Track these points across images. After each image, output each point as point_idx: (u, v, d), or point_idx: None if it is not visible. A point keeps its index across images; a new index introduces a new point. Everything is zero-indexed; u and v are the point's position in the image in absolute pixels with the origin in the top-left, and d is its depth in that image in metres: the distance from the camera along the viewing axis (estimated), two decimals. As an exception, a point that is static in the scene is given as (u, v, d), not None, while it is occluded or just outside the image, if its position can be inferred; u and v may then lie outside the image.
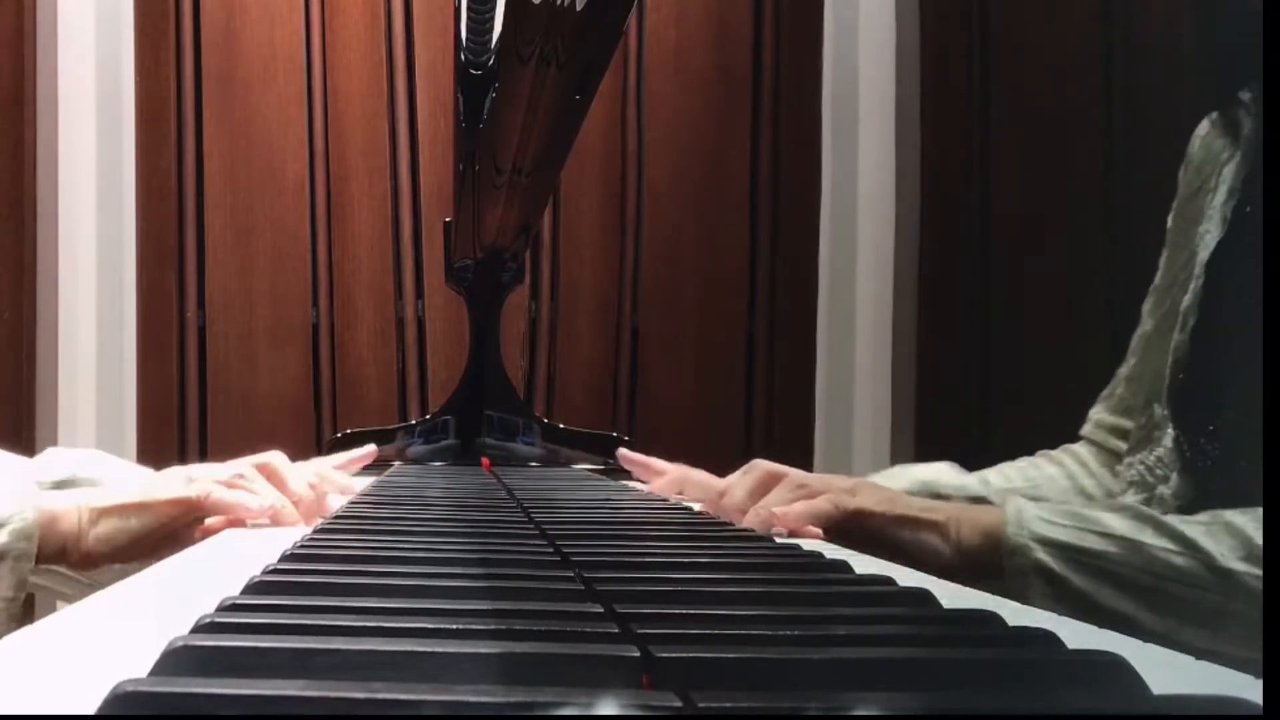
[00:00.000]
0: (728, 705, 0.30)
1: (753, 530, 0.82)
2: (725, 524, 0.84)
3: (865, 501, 0.88)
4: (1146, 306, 1.11)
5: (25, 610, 0.80)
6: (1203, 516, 0.82)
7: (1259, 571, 0.76)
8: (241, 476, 0.91)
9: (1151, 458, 0.97)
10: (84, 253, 2.32)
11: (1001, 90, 2.31)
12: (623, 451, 1.37)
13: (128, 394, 2.32)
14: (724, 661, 0.35)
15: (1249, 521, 0.79)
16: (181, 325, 2.32)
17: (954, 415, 2.29)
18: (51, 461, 1.08)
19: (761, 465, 0.96)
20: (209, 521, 0.89)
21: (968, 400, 2.31)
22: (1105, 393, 1.16)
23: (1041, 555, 0.81)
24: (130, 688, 0.29)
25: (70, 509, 0.85)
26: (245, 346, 2.33)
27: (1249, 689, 0.36)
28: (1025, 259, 2.27)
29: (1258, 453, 0.86)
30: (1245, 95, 0.97)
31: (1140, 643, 0.44)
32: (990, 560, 0.83)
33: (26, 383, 2.23)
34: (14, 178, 2.22)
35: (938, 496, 1.05)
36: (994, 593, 0.86)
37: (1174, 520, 0.81)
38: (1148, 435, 0.98)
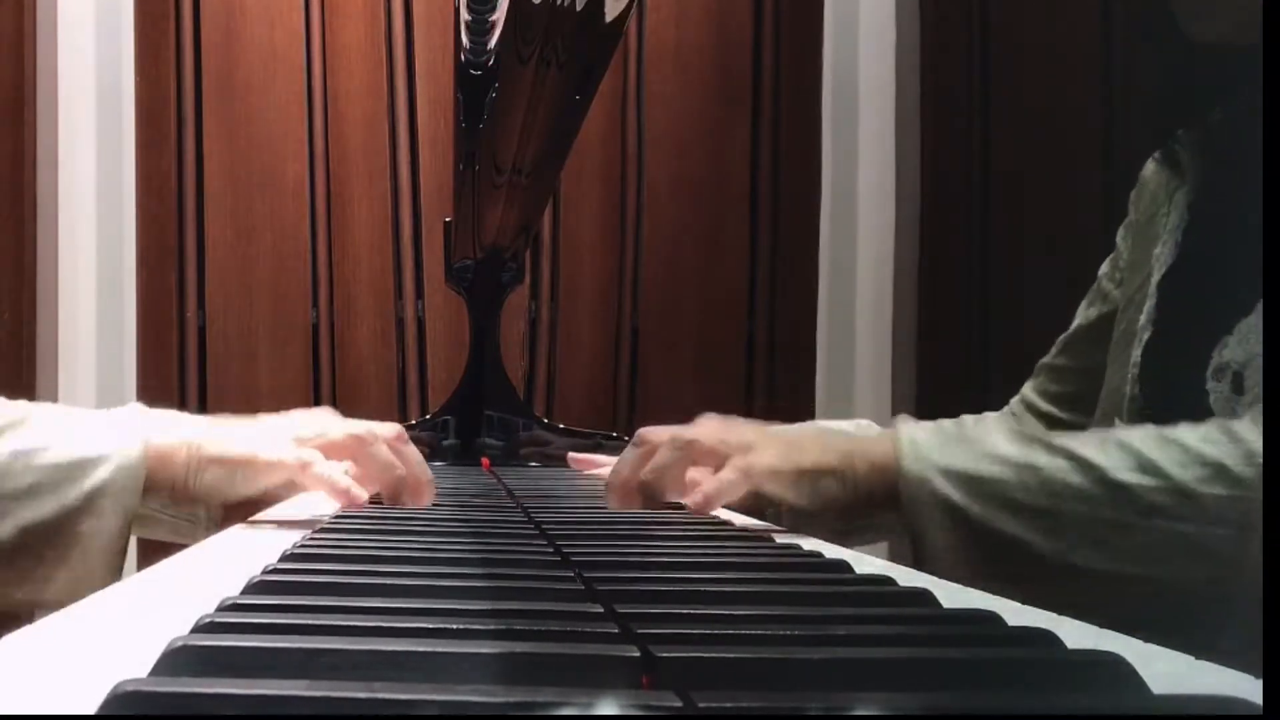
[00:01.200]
0: (728, 705, 0.30)
1: (753, 530, 0.82)
2: (725, 524, 0.84)
3: (768, 459, 0.84)
4: (1082, 306, 1.13)
5: (26, 609, 0.80)
6: (1092, 435, 0.82)
7: (1150, 482, 0.76)
8: (360, 439, 0.89)
9: None
10: (84, 253, 2.32)
11: (1001, 90, 2.31)
12: (572, 455, 1.34)
13: (128, 394, 2.32)
14: (724, 661, 0.35)
15: (1137, 435, 0.79)
16: (181, 325, 2.32)
17: (954, 415, 2.29)
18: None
19: (645, 436, 0.92)
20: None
21: (968, 400, 2.30)
22: (1031, 377, 1.17)
23: (940, 485, 0.80)
24: (130, 688, 0.29)
25: (180, 446, 0.84)
26: (245, 346, 2.33)
27: (1249, 689, 0.36)
28: (1025, 259, 2.27)
29: None
30: (1181, 133, 0.99)
31: (1140, 643, 0.44)
32: (887, 493, 0.82)
33: (26, 382, 2.23)
34: (14, 178, 2.22)
35: None
36: (889, 525, 0.86)
37: (1064, 438, 0.81)
38: None
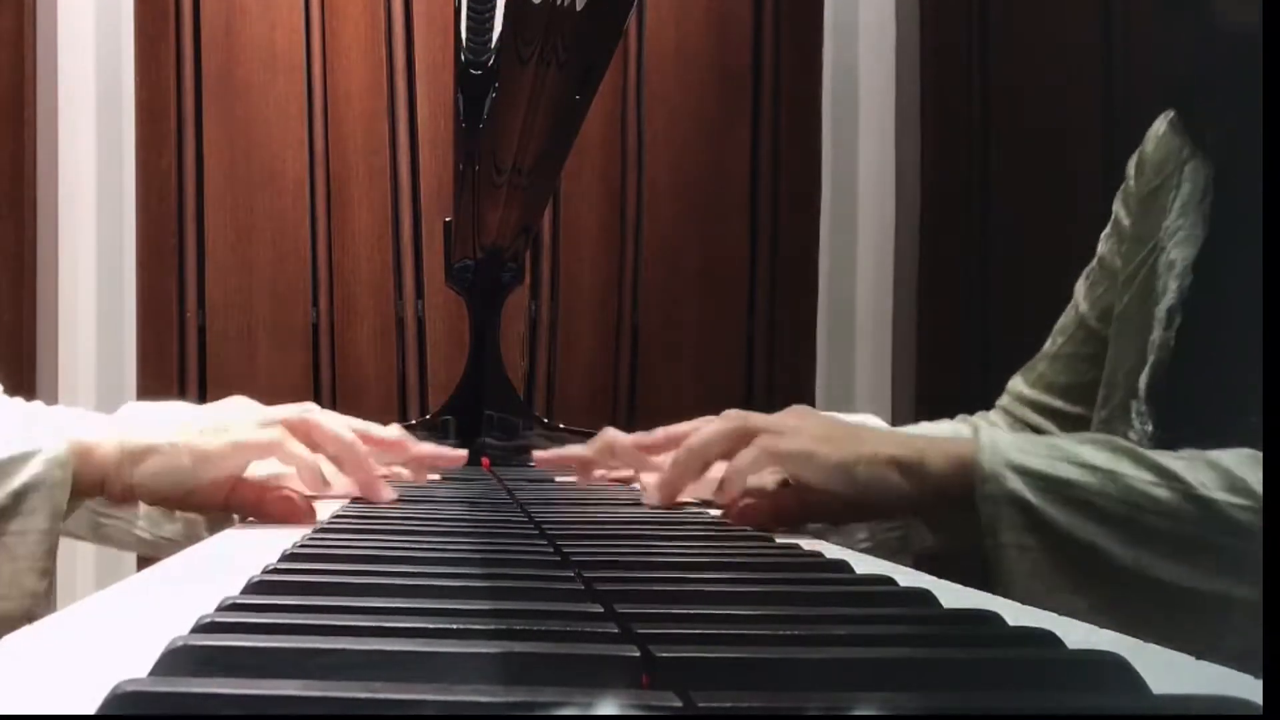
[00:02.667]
0: (728, 705, 0.30)
1: (752, 530, 0.82)
2: (725, 524, 0.84)
3: (802, 441, 0.82)
4: (1081, 286, 1.10)
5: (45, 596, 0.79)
6: (1183, 453, 0.80)
7: (1240, 501, 0.75)
8: (305, 421, 0.86)
9: None
10: (84, 253, 2.32)
11: (1001, 90, 2.31)
12: (538, 455, 1.28)
13: (128, 394, 2.32)
14: (724, 661, 0.35)
15: (1229, 457, 0.78)
16: (181, 325, 2.32)
17: (954, 415, 2.29)
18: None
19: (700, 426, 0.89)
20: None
21: (968, 400, 2.30)
22: (1025, 367, 1.15)
23: (1016, 483, 0.78)
24: (130, 688, 0.29)
25: (108, 438, 0.81)
26: (245, 346, 2.33)
27: (1249, 689, 0.36)
28: (1025, 259, 2.27)
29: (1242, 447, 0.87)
30: (1198, 105, 0.97)
31: (1140, 643, 0.44)
32: (960, 490, 0.80)
33: (26, 382, 2.23)
34: (14, 178, 2.22)
35: None
36: (961, 527, 0.84)
37: (1153, 453, 0.80)
38: (1110, 429, 0.98)
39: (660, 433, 0.99)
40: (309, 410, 0.89)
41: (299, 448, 0.84)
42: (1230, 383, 0.88)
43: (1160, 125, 1.04)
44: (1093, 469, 0.78)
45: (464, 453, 1.12)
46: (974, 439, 0.83)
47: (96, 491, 0.83)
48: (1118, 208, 1.08)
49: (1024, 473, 0.79)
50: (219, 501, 0.86)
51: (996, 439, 0.82)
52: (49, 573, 0.77)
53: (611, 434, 1.06)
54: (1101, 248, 1.09)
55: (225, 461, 0.83)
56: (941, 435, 1.08)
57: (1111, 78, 2.16)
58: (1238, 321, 0.88)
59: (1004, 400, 1.17)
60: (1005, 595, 0.56)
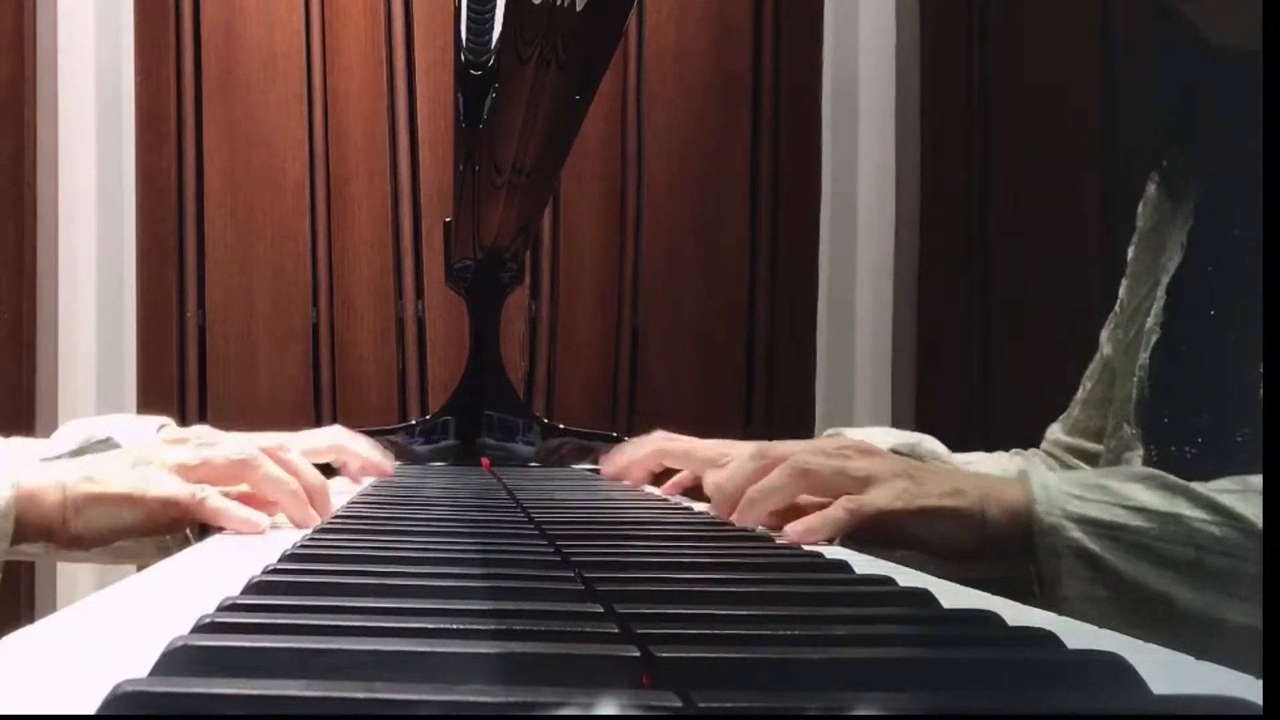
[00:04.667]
0: (728, 705, 0.30)
1: (752, 530, 0.82)
2: (725, 524, 0.84)
3: (881, 499, 0.80)
4: (1104, 334, 1.11)
5: (26, 608, 0.79)
6: (1227, 483, 0.78)
7: None
8: (249, 464, 0.83)
9: None
10: (84, 252, 2.32)
11: (1001, 90, 2.31)
12: (604, 459, 1.29)
13: (128, 394, 2.32)
14: (724, 661, 0.35)
15: None
16: (181, 325, 2.32)
17: (954, 415, 2.29)
18: (64, 434, 1.04)
19: (766, 451, 0.86)
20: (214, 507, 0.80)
21: (968, 401, 2.31)
22: (1063, 415, 1.16)
23: (1076, 534, 0.77)
24: (130, 688, 0.29)
25: (52, 487, 0.80)
26: (245, 346, 2.33)
27: (1249, 689, 0.36)
28: (1025, 259, 2.27)
29: (1229, 448, 0.87)
30: (1179, 152, 0.99)
31: (1140, 643, 0.44)
32: (1018, 542, 0.79)
33: (26, 382, 2.23)
34: (14, 178, 2.22)
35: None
36: (1017, 574, 0.81)
37: (1205, 488, 0.78)
38: (1117, 458, 0.99)
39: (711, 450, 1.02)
40: (256, 454, 0.86)
41: (221, 502, 0.81)
42: (1209, 396, 0.88)
43: (1151, 189, 1.06)
44: (1151, 513, 0.77)
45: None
46: (1025, 483, 0.81)
47: (42, 538, 0.82)
48: (1131, 250, 1.08)
49: (1082, 521, 0.78)
50: (168, 530, 0.85)
51: (1048, 484, 0.80)
52: None
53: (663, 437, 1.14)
54: (1121, 292, 1.09)
55: (161, 512, 0.82)
56: (931, 454, 1.08)
57: (1112, 77, 2.16)
58: (1212, 340, 0.89)
59: (1045, 445, 1.17)
60: None
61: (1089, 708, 0.33)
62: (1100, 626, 0.73)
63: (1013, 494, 0.80)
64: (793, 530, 0.79)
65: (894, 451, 1.04)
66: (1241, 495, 0.76)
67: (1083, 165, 2.18)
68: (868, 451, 0.85)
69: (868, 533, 0.81)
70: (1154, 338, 0.96)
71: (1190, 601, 0.75)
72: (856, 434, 1.04)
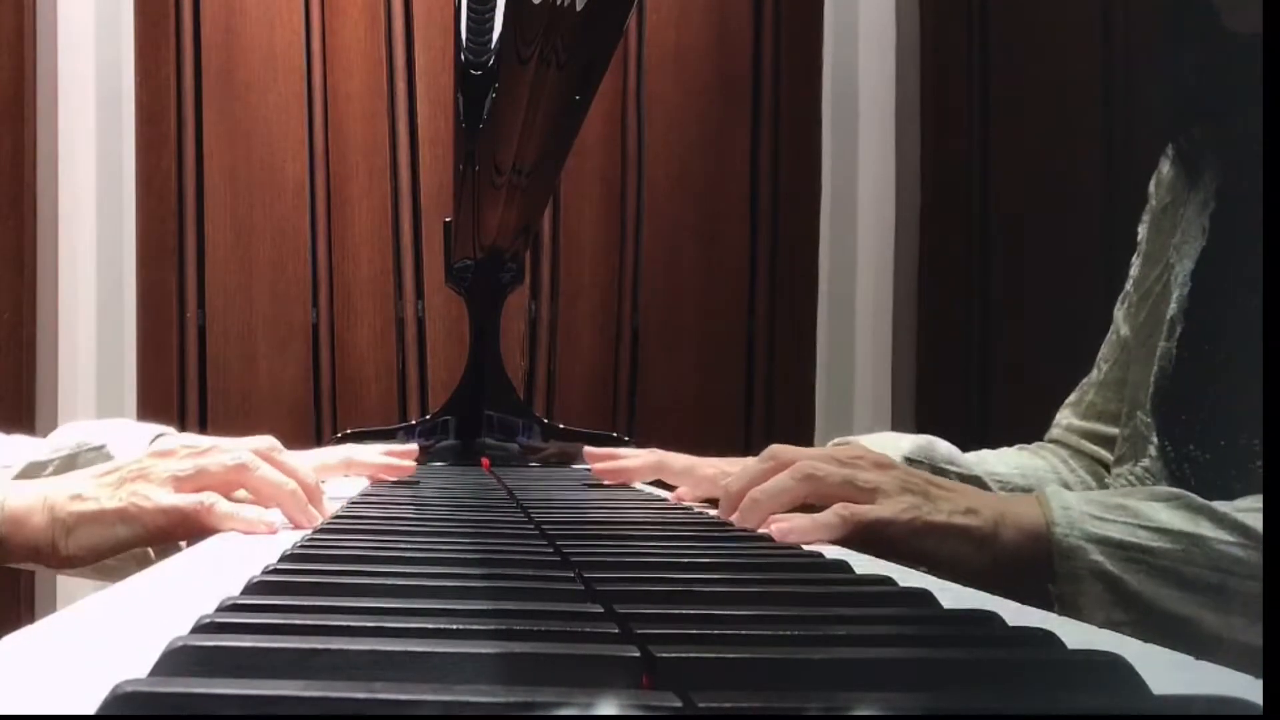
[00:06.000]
0: (728, 705, 0.30)
1: (752, 530, 0.82)
2: (725, 524, 0.84)
3: (884, 512, 0.79)
4: (1120, 312, 1.09)
5: (26, 608, 0.79)
6: (1248, 502, 0.77)
7: None
8: (245, 468, 0.82)
9: (1139, 468, 0.95)
10: (84, 253, 2.32)
11: (1001, 90, 2.31)
12: (589, 450, 1.26)
13: (128, 394, 2.32)
14: (724, 661, 0.35)
15: None
16: (181, 325, 2.32)
17: (954, 415, 2.29)
18: (59, 437, 1.04)
19: (776, 454, 0.85)
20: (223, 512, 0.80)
21: (968, 400, 2.31)
22: (1072, 399, 1.13)
23: (1098, 557, 0.75)
24: (130, 688, 0.29)
25: (39, 508, 0.79)
26: (245, 346, 2.33)
27: (1249, 689, 0.36)
28: (1025, 258, 2.27)
29: (1244, 458, 0.86)
30: (1197, 131, 0.97)
31: (1140, 643, 0.44)
32: (1036, 564, 0.77)
33: (26, 382, 2.23)
34: (14, 178, 2.22)
35: (936, 470, 1.02)
36: (1035, 594, 0.79)
37: (1227, 508, 0.76)
38: (1134, 446, 0.97)
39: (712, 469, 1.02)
40: (253, 458, 0.85)
41: (230, 505, 0.81)
42: (1231, 390, 0.87)
43: (1164, 164, 1.05)
44: (1174, 534, 0.75)
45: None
46: (1043, 503, 0.79)
47: (30, 559, 0.81)
48: (1141, 228, 1.07)
49: (1104, 543, 0.76)
50: (164, 542, 0.85)
51: (1068, 504, 0.78)
52: None
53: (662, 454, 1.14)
54: (1133, 270, 1.07)
55: (158, 522, 0.80)
56: (1007, 473, 1.06)
57: (1112, 76, 2.16)
58: (1236, 329, 0.88)
59: (1055, 433, 1.14)
60: None
61: (1089, 708, 0.33)
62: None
63: (1031, 514, 0.79)
64: (777, 527, 0.78)
65: (910, 460, 1.02)
66: (1260, 514, 0.75)
67: (1083, 165, 2.18)
68: (882, 465, 0.83)
69: (871, 545, 0.79)
70: (1179, 328, 0.93)
71: (1215, 625, 0.74)
72: (869, 441, 1.03)
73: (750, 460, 0.88)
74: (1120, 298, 1.10)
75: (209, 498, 0.79)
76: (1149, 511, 0.77)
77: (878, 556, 0.81)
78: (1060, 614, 0.76)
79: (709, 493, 1.04)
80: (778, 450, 0.85)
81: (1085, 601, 0.75)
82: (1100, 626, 0.73)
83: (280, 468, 0.84)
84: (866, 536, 0.78)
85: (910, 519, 0.78)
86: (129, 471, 0.83)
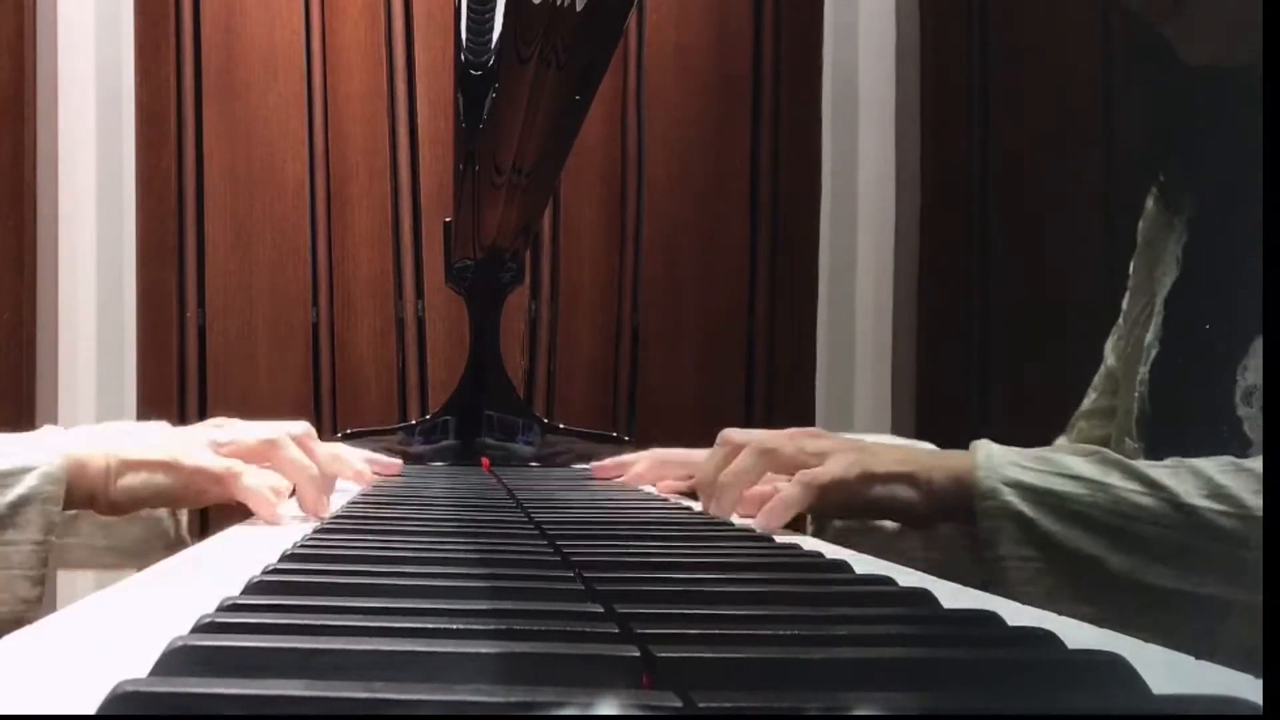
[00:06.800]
0: (728, 705, 0.30)
1: (752, 530, 0.82)
2: (725, 524, 0.84)
3: (834, 469, 0.86)
4: (1109, 345, 1.14)
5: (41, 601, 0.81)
6: (1168, 462, 0.84)
7: (1221, 507, 0.79)
8: (275, 444, 0.91)
9: None
10: (84, 253, 2.33)
11: (1001, 91, 2.31)
12: (595, 465, 1.32)
13: (128, 394, 2.32)
14: (724, 661, 0.35)
15: (1211, 465, 0.81)
16: (181, 325, 2.32)
17: (954, 415, 2.29)
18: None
19: (728, 437, 0.93)
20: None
21: (967, 400, 2.31)
22: (1069, 425, 1.18)
23: (1012, 498, 0.82)
24: (130, 688, 0.29)
25: (98, 455, 0.86)
26: (245, 346, 2.33)
27: (1249, 689, 0.36)
28: (1025, 259, 2.27)
29: None
30: (1174, 163, 1.02)
31: (1140, 643, 0.44)
32: (961, 505, 0.84)
33: (26, 382, 2.23)
34: (14, 178, 2.22)
35: None
36: (962, 537, 0.89)
37: (1139, 463, 0.83)
38: None
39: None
40: (284, 436, 0.94)
41: (255, 481, 0.88)
42: (1207, 410, 0.91)
43: (1150, 203, 1.09)
44: (1085, 480, 0.82)
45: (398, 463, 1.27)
46: (972, 452, 0.86)
47: (86, 504, 0.88)
48: (1132, 264, 1.11)
49: (1018, 486, 0.83)
50: (195, 502, 0.93)
51: (992, 453, 0.85)
52: (42, 580, 0.81)
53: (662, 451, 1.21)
54: (1124, 304, 1.12)
55: (195, 481, 0.88)
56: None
57: (1111, 76, 2.16)
58: (1209, 353, 0.92)
59: None
60: None
61: (1089, 708, 0.33)
62: (1033, 587, 0.78)
63: (960, 462, 0.86)
64: (758, 521, 0.85)
65: None
66: (1172, 471, 0.81)
67: (1083, 164, 2.18)
68: (818, 435, 0.92)
69: (828, 505, 0.87)
70: (1154, 352, 0.99)
71: (1116, 565, 0.80)
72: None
73: (711, 450, 0.95)
74: (1113, 330, 1.14)
75: (239, 466, 0.87)
76: (1066, 462, 0.84)
77: (836, 517, 0.92)
78: (981, 553, 0.83)
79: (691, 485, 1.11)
80: (729, 434, 0.93)
81: (1000, 539, 0.82)
82: (1012, 562, 0.81)
83: (309, 454, 0.92)
84: (826, 497, 0.86)
85: (859, 473, 0.86)
86: (178, 432, 0.94)
